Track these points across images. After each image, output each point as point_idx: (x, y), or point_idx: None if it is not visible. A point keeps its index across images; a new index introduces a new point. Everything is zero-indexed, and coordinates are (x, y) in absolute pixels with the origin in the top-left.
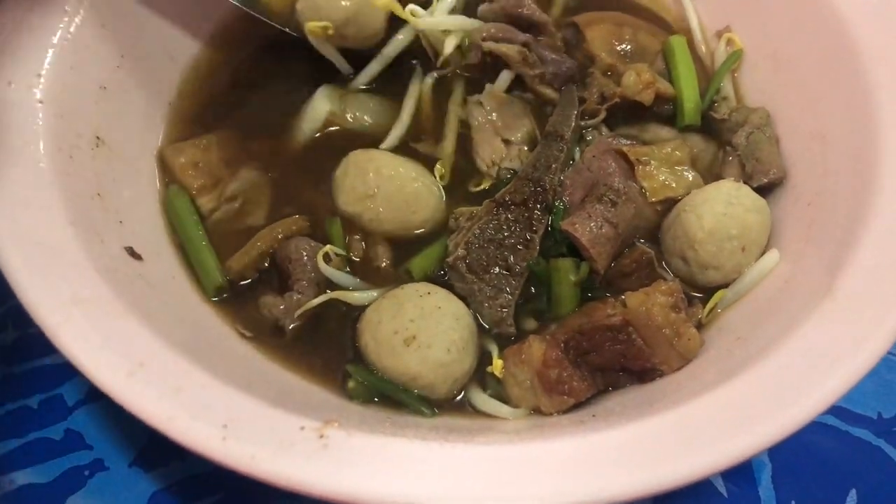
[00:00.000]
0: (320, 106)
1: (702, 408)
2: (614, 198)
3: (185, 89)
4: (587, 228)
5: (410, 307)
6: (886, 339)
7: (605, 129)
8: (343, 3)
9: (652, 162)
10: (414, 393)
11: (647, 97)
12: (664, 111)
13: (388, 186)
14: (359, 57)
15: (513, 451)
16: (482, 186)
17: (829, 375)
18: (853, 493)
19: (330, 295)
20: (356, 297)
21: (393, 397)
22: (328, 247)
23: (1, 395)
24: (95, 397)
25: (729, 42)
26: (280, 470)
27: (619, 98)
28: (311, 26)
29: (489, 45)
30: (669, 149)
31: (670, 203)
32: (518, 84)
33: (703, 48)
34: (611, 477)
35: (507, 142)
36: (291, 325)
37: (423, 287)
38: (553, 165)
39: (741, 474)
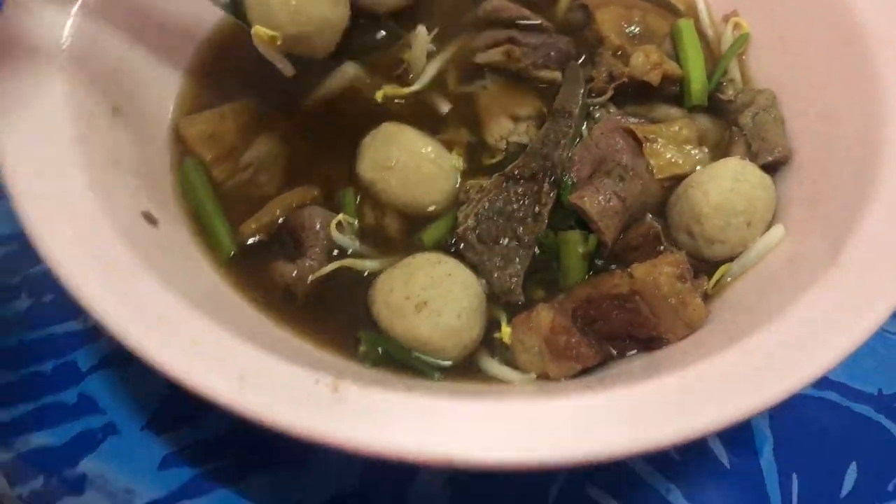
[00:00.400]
0: (348, 68)
1: (706, 370)
2: (622, 173)
3: (201, 61)
4: (595, 201)
5: (422, 275)
6: (891, 303)
7: (612, 108)
8: (300, 17)
9: (659, 140)
10: (423, 358)
11: (654, 77)
12: (671, 92)
13: (406, 162)
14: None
15: (522, 408)
16: (496, 159)
17: (835, 336)
18: (853, 465)
19: (342, 262)
20: (368, 265)
21: (403, 361)
22: (341, 215)
23: (15, 361)
24: (108, 364)
25: (736, 26)
26: (296, 419)
27: (627, 78)
28: (259, 31)
29: (479, 59)
30: (677, 127)
31: (677, 180)
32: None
33: (710, 32)
34: (616, 432)
35: (514, 118)
36: (303, 292)
37: (435, 256)
38: (562, 141)
39: (743, 446)
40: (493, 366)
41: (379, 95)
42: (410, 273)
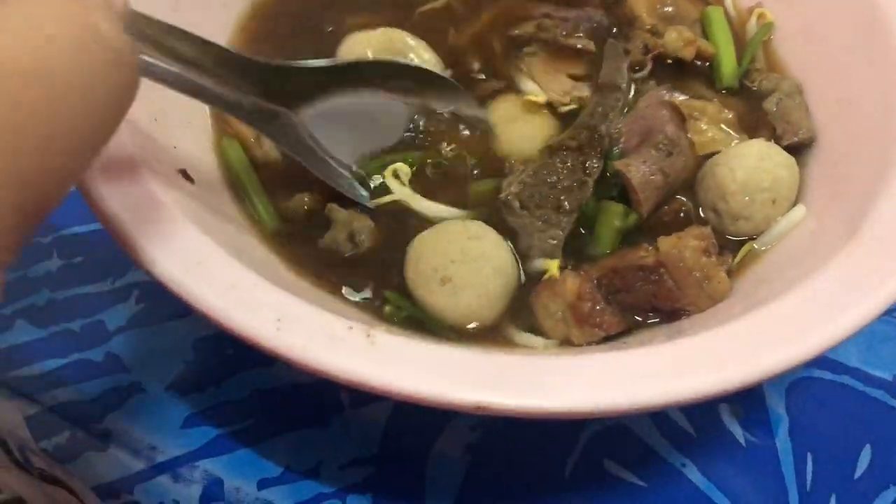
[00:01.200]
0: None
1: (726, 333)
2: (670, 148)
3: (240, 35)
4: (640, 172)
5: (454, 248)
6: None
7: (653, 83)
8: None
9: (703, 118)
10: (445, 323)
11: (688, 53)
12: (703, 70)
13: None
14: None
15: (550, 361)
16: (571, 106)
17: (852, 305)
18: (867, 448)
19: (396, 196)
20: (423, 205)
21: (424, 324)
22: (398, 164)
23: (45, 319)
24: (134, 325)
25: (760, 16)
26: (331, 360)
27: (661, 49)
28: None
29: (513, 32)
30: (718, 108)
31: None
32: None
33: (735, 21)
34: (639, 386)
35: (572, 77)
36: (350, 253)
37: (476, 228)
38: (610, 114)
39: (759, 426)
40: (516, 333)
41: None
42: (446, 243)
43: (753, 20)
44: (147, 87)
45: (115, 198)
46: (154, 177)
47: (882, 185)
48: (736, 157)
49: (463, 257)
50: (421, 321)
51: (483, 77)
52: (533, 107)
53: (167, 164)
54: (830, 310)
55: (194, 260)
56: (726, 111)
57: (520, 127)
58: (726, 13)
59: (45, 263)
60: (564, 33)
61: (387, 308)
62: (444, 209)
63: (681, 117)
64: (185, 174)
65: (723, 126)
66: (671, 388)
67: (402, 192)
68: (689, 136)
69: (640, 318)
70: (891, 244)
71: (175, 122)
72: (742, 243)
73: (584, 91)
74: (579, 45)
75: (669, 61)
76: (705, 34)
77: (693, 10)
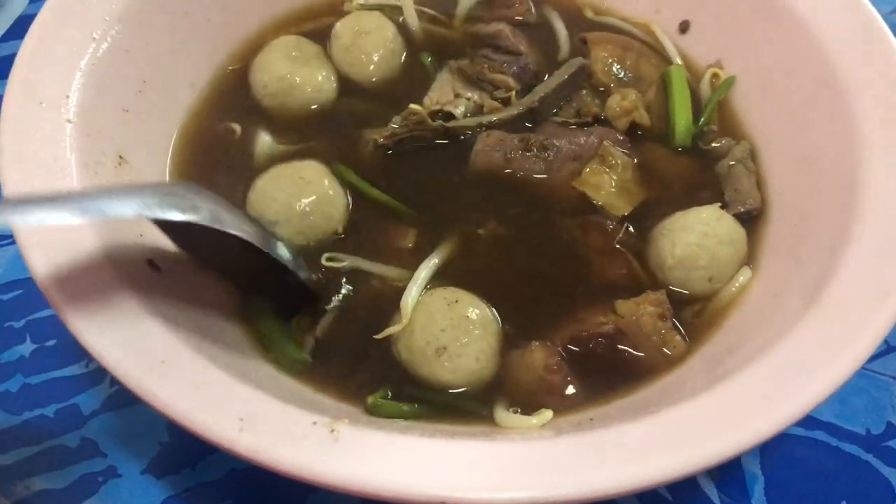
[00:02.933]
0: None
1: (689, 411)
2: (547, 155)
3: (201, 113)
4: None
5: (440, 318)
6: (873, 338)
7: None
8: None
9: (611, 168)
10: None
11: (622, 124)
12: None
13: None
14: None
15: (509, 448)
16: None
17: (816, 376)
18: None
19: (359, 262)
20: (377, 267)
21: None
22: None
23: (19, 405)
24: (110, 407)
25: (715, 76)
26: (293, 459)
27: (591, 118)
28: None
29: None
30: (629, 170)
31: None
32: None
33: (694, 81)
34: (604, 472)
35: (457, 95)
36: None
37: (451, 293)
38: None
39: (735, 486)
40: (507, 417)
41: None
42: (430, 315)
43: (707, 78)
44: (113, 176)
45: (76, 298)
46: (117, 271)
47: (842, 247)
48: (681, 230)
49: (451, 323)
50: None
51: None
52: None
53: (134, 254)
54: (796, 380)
55: (159, 358)
56: (632, 173)
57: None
58: (688, 70)
59: (18, 348)
60: (489, 67)
61: (370, 401)
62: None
63: (593, 151)
64: (151, 263)
65: (613, 184)
66: (641, 474)
67: (351, 260)
68: (581, 169)
69: (605, 385)
70: (852, 309)
71: None
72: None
73: (456, 110)
74: (497, 79)
75: None
76: (665, 91)
77: (654, 72)
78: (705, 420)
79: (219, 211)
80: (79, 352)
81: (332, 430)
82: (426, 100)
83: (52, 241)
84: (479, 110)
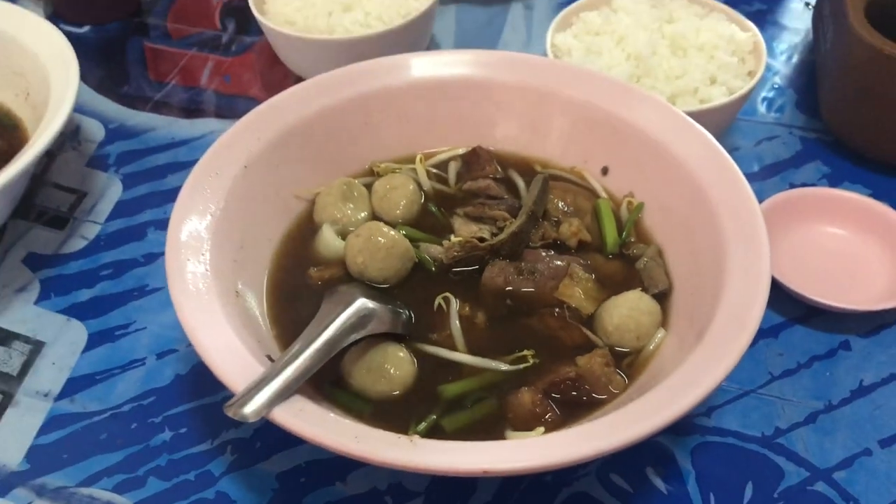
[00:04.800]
0: None
1: (625, 413)
2: (529, 276)
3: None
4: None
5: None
6: (735, 357)
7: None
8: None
9: (577, 282)
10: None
11: (572, 242)
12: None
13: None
14: None
15: (528, 441)
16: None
17: (698, 385)
18: (749, 484)
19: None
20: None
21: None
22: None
23: (168, 474)
24: (232, 470)
25: (629, 203)
26: (392, 456)
27: (552, 239)
28: None
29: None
30: (589, 282)
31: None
32: None
33: (614, 208)
34: (581, 447)
35: (479, 228)
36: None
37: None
38: (529, 234)
39: (675, 479)
40: (513, 434)
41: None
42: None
43: (625, 205)
44: (235, 302)
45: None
46: (257, 360)
47: (716, 310)
48: (615, 307)
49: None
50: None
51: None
52: None
53: (261, 354)
54: (682, 392)
55: (298, 408)
56: (592, 283)
57: None
58: (611, 201)
59: (160, 436)
60: (488, 206)
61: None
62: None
63: (564, 272)
64: (270, 358)
65: (581, 292)
66: (584, 449)
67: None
68: (559, 286)
69: (574, 410)
70: (719, 348)
71: (258, 328)
72: (627, 354)
73: (484, 233)
74: (495, 214)
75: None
76: (597, 218)
77: (587, 203)
78: (634, 415)
79: (383, 312)
80: (204, 434)
81: (411, 440)
82: (461, 234)
83: (213, 340)
84: (497, 233)
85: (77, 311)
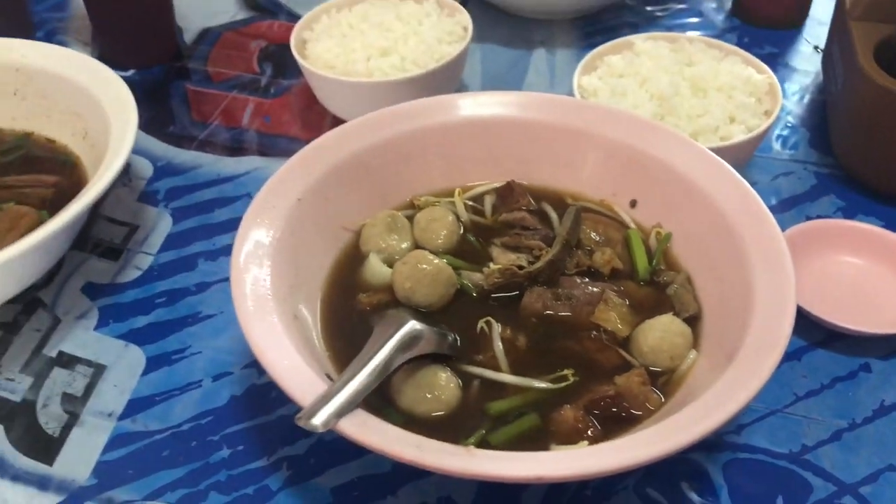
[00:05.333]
0: None
1: (660, 427)
2: (565, 300)
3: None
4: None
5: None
6: (758, 384)
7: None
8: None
9: (612, 307)
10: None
11: (607, 269)
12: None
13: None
14: None
15: (572, 452)
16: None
17: (729, 402)
18: (780, 498)
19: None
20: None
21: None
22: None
23: (228, 488)
24: (288, 485)
25: (658, 234)
26: (452, 464)
27: (586, 267)
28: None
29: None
30: (622, 306)
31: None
32: None
33: (644, 238)
34: (623, 455)
35: (517, 257)
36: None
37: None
38: (565, 263)
39: (709, 493)
40: (559, 448)
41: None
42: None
43: (653, 235)
44: (294, 324)
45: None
46: (320, 377)
47: (745, 334)
48: (649, 330)
49: None
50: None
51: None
52: None
53: (321, 372)
54: (718, 407)
55: (360, 420)
56: (626, 308)
57: None
58: (640, 231)
59: (218, 453)
60: (524, 236)
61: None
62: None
63: (599, 298)
64: (329, 377)
65: (616, 317)
66: (630, 457)
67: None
68: (594, 310)
69: (614, 426)
70: (750, 368)
71: (314, 344)
72: (662, 374)
73: (521, 261)
74: (531, 243)
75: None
76: (628, 247)
77: (617, 234)
78: (672, 429)
79: (430, 334)
80: (261, 451)
81: (468, 450)
82: (500, 262)
83: (280, 358)
84: (534, 261)
85: (135, 337)
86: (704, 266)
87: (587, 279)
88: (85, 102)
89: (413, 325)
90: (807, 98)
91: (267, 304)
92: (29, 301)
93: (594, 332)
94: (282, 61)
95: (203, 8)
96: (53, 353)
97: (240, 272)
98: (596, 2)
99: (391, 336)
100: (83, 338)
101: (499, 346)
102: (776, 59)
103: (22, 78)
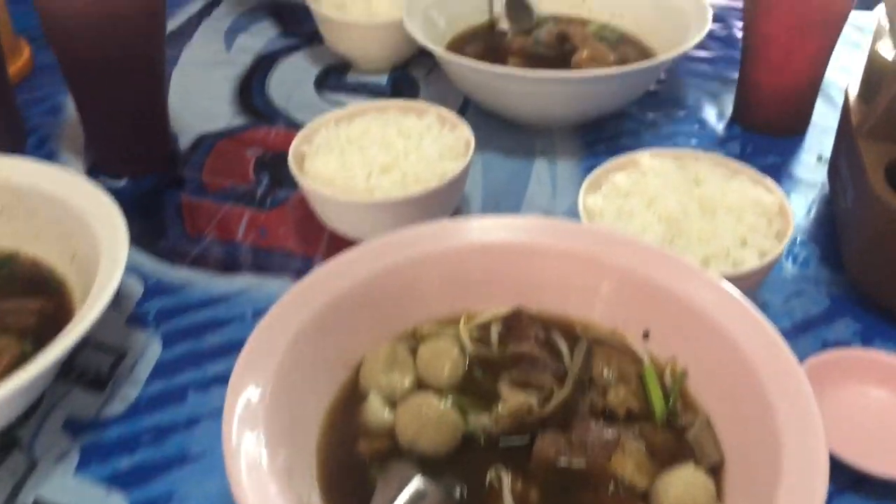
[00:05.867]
0: None
1: None
2: (579, 448)
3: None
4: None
5: None
6: None
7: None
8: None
9: (632, 457)
10: None
11: (622, 411)
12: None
13: None
14: None
15: None
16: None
17: None
18: None
19: None
20: None
21: None
22: None
23: None
24: None
25: (673, 370)
26: None
27: (600, 408)
28: None
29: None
30: (643, 455)
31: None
32: None
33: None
34: None
35: (527, 397)
36: None
37: None
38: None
39: None
40: None
41: None
42: None
43: (668, 371)
44: (284, 465)
45: None
46: None
47: (776, 489)
48: (670, 485)
49: None
50: None
51: None
52: None
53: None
54: None
55: None
56: (643, 455)
57: None
58: (655, 366)
59: None
60: (532, 374)
61: None
62: None
63: (615, 445)
64: None
65: (633, 465)
66: None
67: None
68: (610, 457)
69: None
70: None
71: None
72: None
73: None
74: (543, 381)
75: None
76: (643, 385)
77: (630, 368)
78: None
79: (436, 493)
80: None
81: None
82: (509, 402)
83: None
84: (544, 401)
85: (118, 481)
86: (724, 406)
87: (601, 422)
88: (75, 224)
89: (418, 483)
90: (814, 211)
91: (260, 462)
92: (4, 441)
93: (611, 484)
94: (279, 171)
95: (199, 112)
96: (29, 501)
97: (232, 427)
98: (596, 112)
99: (395, 498)
100: (62, 483)
101: (510, 501)
102: (780, 169)
103: (9, 197)
